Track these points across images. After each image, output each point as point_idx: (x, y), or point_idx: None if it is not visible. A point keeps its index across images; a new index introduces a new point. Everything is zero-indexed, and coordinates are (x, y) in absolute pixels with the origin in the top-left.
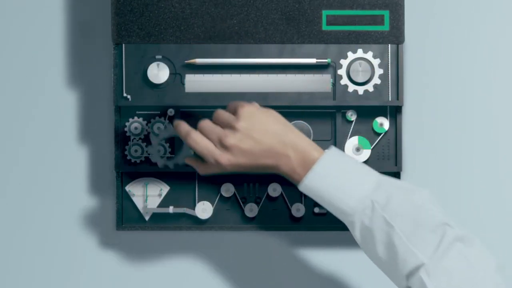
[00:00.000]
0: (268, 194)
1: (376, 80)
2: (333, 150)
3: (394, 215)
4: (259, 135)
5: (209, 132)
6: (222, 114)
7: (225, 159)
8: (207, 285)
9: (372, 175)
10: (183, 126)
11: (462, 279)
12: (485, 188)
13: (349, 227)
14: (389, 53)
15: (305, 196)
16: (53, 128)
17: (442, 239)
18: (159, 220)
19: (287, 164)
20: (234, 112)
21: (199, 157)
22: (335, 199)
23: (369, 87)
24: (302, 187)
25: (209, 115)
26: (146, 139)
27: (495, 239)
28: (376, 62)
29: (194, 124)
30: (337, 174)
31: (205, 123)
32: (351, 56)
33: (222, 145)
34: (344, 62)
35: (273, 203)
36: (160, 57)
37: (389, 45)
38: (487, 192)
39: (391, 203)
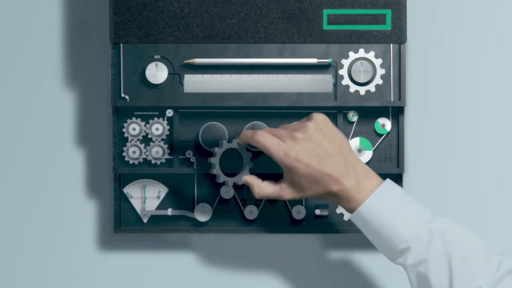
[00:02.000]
0: None
1: (378, 81)
2: (390, 181)
3: (453, 242)
4: (329, 139)
5: (278, 132)
6: (291, 124)
7: (293, 151)
8: None
9: (428, 208)
10: (247, 131)
11: None
12: (488, 190)
13: (399, 255)
14: (391, 53)
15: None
16: (50, 129)
17: (499, 268)
18: (158, 223)
19: (350, 182)
20: (307, 119)
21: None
22: (391, 226)
23: (371, 87)
24: (360, 210)
25: (209, 116)
26: (144, 140)
27: (497, 240)
28: (378, 62)
29: (194, 123)
30: (396, 203)
31: (271, 128)
32: (352, 56)
33: (293, 139)
34: (346, 62)
35: (273, 205)
36: (158, 57)
37: (391, 44)
38: (490, 194)
39: (450, 231)
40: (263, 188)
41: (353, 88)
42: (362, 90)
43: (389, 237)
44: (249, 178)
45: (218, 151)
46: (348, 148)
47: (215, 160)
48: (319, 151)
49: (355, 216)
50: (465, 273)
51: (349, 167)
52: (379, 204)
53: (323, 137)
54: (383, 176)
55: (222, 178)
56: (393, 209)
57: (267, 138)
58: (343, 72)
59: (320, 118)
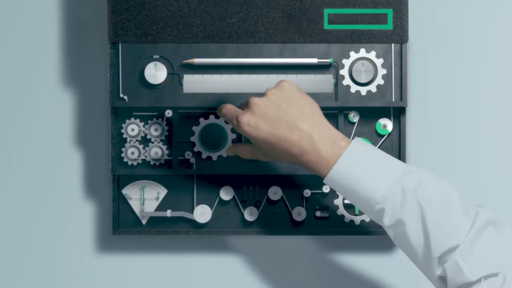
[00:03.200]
0: (268, 198)
1: (379, 81)
2: (359, 140)
3: (426, 199)
4: (288, 106)
5: (243, 102)
6: None
7: (245, 117)
8: None
9: (399, 163)
10: (221, 106)
11: (496, 263)
12: (490, 190)
13: (377, 216)
14: (393, 53)
15: (307, 199)
16: (48, 130)
17: (474, 221)
18: (157, 224)
19: (312, 145)
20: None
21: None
22: (364, 188)
23: (372, 87)
24: (331, 175)
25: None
26: (143, 141)
27: None
28: (379, 62)
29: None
30: (365, 163)
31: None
32: (353, 56)
33: (248, 105)
34: (346, 62)
35: (274, 206)
36: (157, 57)
37: (393, 44)
38: (493, 194)
39: (422, 188)
40: (238, 146)
41: (354, 88)
42: (363, 90)
43: (364, 199)
44: (233, 148)
45: (196, 129)
46: (313, 112)
47: (194, 138)
48: (274, 114)
49: (327, 181)
50: (440, 231)
51: (312, 131)
52: (349, 167)
53: (282, 102)
54: None
55: (204, 153)
56: (363, 171)
57: (227, 108)
58: (344, 72)
59: (283, 84)
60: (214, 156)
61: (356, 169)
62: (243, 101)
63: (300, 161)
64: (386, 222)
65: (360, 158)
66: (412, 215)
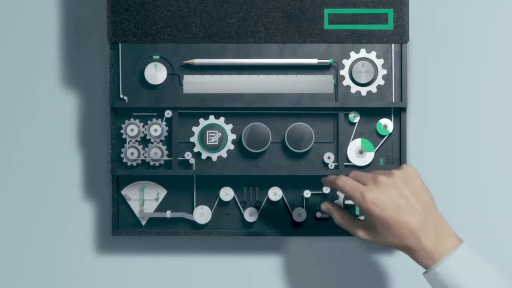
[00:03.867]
0: (268, 198)
1: (379, 81)
2: (466, 245)
3: None
4: (412, 192)
5: (361, 176)
6: (380, 170)
7: (371, 193)
8: None
9: (503, 276)
10: (331, 176)
11: None
12: (491, 191)
13: None
14: (393, 53)
15: (307, 200)
16: (47, 130)
17: None
18: (156, 225)
19: (427, 236)
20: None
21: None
22: None
23: (372, 88)
24: (435, 271)
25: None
26: (143, 141)
27: (501, 241)
28: (379, 62)
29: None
30: (472, 270)
31: (357, 172)
32: (353, 56)
33: (374, 182)
34: (347, 63)
35: (274, 207)
36: (157, 57)
37: (393, 45)
38: (494, 195)
39: None
40: (342, 218)
41: (354, 88)
42: (363, 90)
43: None
44: (329, 205)
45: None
46: (432, 204)
47: (194, 139)
48: (399, 200)
49: (429, 275)
50: None
51: (429, 224)
52: (456, 268)
53: (407, 188)
54: None
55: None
56: (469, 275)
57: (348, 182)
58: (344, 72)
59: (409, 170)
60: (214, 157)
61: (463, 272)
62: (243, 101)
63: (410, 249)
64: None
65: (469, 263)
66: None
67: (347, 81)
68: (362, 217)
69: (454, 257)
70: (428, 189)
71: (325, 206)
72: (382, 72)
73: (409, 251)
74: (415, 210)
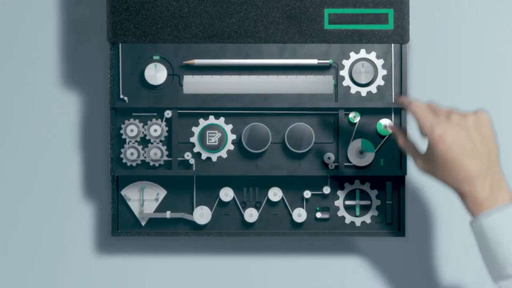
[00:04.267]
0: (268, 199)
1: (379, 81)
2: None
3: None
4: (480, 139)
5: (436, 108)
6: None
7: (441, 128)
8: None
9: None
10: (407, 97)
11: None
12: None
13: (499, 275)
14: (392, 53)
15: (307, 200)
16: (47, 130)
17: None
18: (156, 226)
19: (482, 184)
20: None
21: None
22: (506, 248)
23: (372, 88)
24: (479, 221)
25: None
26: (143, 142)
27: None
28: (379, 62)
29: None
30: None
31: (432, 104)
32: (353, 56)
33: (448, 118)
34: (347, 63)
35: (274, 208)
36: (157, 57)
37: (392, 45)
38: None
39: None
40: (405, 142)
41: (354, 89)
42: (363, 91)
43: (501, 257)
44: (396, 128)
45: None
46: (496, 155)
47: (194, 139)
48: (466, 143)
49: (474, 223)
50: None
51: (488, 174)
52: (502, 221)
53: (477, 133)
54: (387, 179)
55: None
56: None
57: (422, 110)
58: (344, 73)
59: (483, 116)
60: (214, 157)
61: (509, 226)
62: (243, 102)
63: (463, 193)
64: (504, 285)
65: None
66: None
67: (347, 82)
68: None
69: (502, 211)
70: (496, 140)
71: (392, 128)
72: (382, 72)
73: (461, 195)
74: (479, 157)
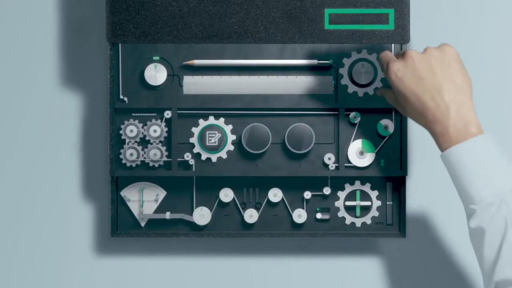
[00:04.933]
0: (268, 200)
1: (379, 82)
2: (489, 136)
3: None
4: (440, 71)
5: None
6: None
7: (395, 66)
8: None
9: None
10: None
11: None
12: None
13: (466, 213)
14: (393, 54)
15: (307, 201)
16: (46, 131)
17: None
18: (156, 226)
19: (444, 118)
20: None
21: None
22: (468, 182)
23: (372, 89)
24: (446, 153)
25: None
26: (142, 142)
27: None
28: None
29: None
30: (483, 160)
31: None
32: (354, 57)
33: (406, 54)
34: (347, 63)
35: (274, 208)
36: (157, 58)
37: (393, 45)
38: None
39: None
40: (387, 90)
41: (354, 89)
42: (364, 91)
43: (463, 192)
44: (382, 89)
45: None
46: (461, 86)
47: (194, 139)
48: (423, 74)
49: (442, 157)
50: (510, 260)
51: (451, 105)
52: (465, 155)
53: (438, 65)
54: (387, 179)
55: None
56: (477, 166)
57: (385, 53)
58: (344, 73)
59: (446, 49)
60: (214, 158)
61: (471, 161)
62: (243, 102)
63: (428, 127)
64: (471, 224)
65: (480, 153)
66: (495, 231)
67: (347, 82)
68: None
69: (465, 145)
70: (467, 74)
71: (379, 91)
72: (381, 73)
73: (428, 129)
74: (439, 88)
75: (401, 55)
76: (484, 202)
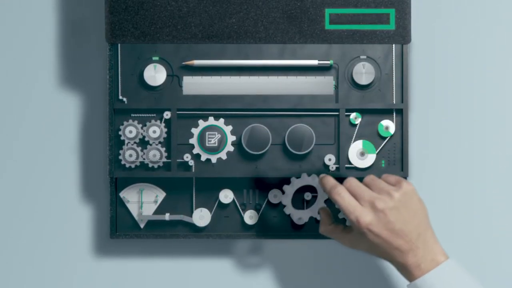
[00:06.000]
0: (268, 201)
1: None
2: (452, 262)
3: None
4: (408, 216)
5: (359, 191)
6: (378, 181)
7: (367, 219)
8: None
9: None
10: (329, 180)
11: None
12: (495, 194)
13: None
14: (394, 54)
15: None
16: (45, 132)
17: None
18: (155, 228)
19: (415, 257)
20: (394, 184)
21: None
22: None
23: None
24: (418, 283)
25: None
26: (141, 143)
27: (505, 245)
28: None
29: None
30: (457, 284)
31: (355, 182)
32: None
33: (372, 206)
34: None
35: (274, 210)
36: (157, 58)
37: (393, 46)
38: (497, 198)
39: None
40: (328, 230)
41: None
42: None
43: None
44: (323, 212)
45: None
46: (425, 223)
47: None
48: (395, 225)
49: (414, 285)
50: None
51: (419, 244)
52: (435, 283)
53: (405, 211)
54: None
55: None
56: None
57: (344, 198)
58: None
59: (408, 189)
60: (214, 159)
61: (445, 285)
62: (243, 103)
63: (396, 264)
64: None
65: (452, 278)
66: None
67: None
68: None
69: (434, 273)
70: (424, 205)
71: (322, 211)
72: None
73: (395, 265)
74: (410, 233)
75: (367, 202)
76: None
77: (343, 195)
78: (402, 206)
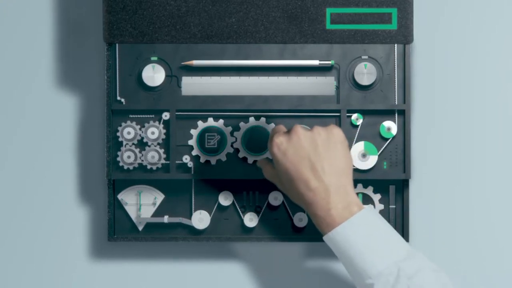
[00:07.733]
0: (269, 203)
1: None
2: (372, 209)
3: None
4: (325, 152)
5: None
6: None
7: (278, 139)
8: None
9: (404, 244)
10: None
11: None
12: (496, 195)
13: (363, 286)
14: (396, 54)
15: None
16: (42, 133)
17: None
18: (154, 230)
19: (324, 200)
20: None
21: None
22: (361, 258)
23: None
24: (332, 234)
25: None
26: (140, 144)
27: (507, 245)
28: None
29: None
30: (371, 234)
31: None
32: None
33: (293, 131)
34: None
35: (274, 212)
36: (155, 58)
37: (396, 46)
38: (499, 199)
39: (418, 277)
40: (265, 163)
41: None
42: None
43: (358, 269)
44: (261, 161)
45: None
46: (343, 169)
47: (193, 142)
48: (307, 152)
49: (326, 239)
50: None
51: (331, 187)
52: (351, 233)
53: (323, 147)
54: (390, 182)
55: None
56: (366, 241)
57: (277, 126)
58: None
59: (333, 131)
60: (213, 160)
61: (359, 237)
62: (243, 103)
63: (308, 209)
64: None
65: (367, 228)
66: None
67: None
68: None
69: (350, 222)
70: (349, 157)
71: (258, 162)
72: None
73: (308, 212)
74: (321, 170)
75: (292, 130)
76: (382, 275)
77: (277, 126)
78: (321, 142)
